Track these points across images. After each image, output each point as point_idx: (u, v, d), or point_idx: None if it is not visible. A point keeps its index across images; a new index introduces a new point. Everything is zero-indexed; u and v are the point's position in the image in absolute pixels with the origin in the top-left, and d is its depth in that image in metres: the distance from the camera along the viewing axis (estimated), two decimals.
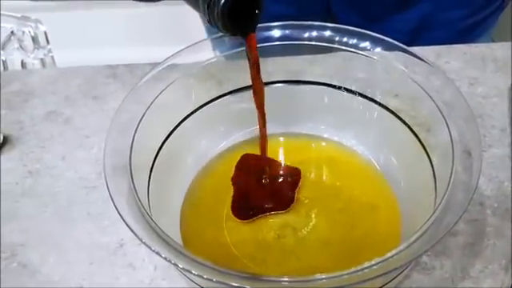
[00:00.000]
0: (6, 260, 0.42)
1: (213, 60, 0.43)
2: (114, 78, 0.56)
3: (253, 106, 0.41)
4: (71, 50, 0.86)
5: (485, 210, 0.42)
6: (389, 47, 0.41)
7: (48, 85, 0.56)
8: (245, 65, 0.39)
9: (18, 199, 0.46)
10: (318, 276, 0.30)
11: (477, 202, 0.43)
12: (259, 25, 0.38)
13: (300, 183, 0.43)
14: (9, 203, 0.46)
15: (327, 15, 0.67)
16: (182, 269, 0.30)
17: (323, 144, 0.46)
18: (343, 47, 0.42)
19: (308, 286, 0.30)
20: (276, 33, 0.43)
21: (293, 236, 0.40)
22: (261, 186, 0.44)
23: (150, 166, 0.39)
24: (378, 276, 0.30)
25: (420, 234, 0.31)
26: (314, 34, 0.43)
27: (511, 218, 0.42)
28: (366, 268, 0.29)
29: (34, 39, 0.63)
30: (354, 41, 0.42)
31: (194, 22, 0.68)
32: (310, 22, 0.43)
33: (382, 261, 0.30)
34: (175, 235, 0.39)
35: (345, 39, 0.42)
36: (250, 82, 0.40)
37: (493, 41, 0.72)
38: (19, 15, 0.63)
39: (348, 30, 0.42)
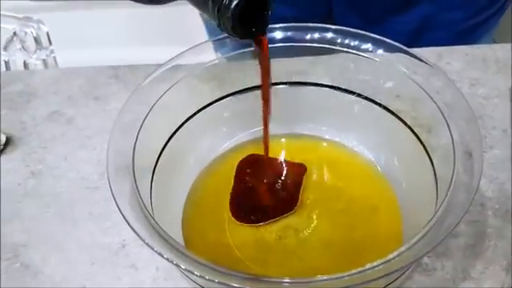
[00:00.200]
0: (8, 260, 0.42)
1: (215, 61, 0.43)
2: (115, 78, 0.56)
3: (255, 106, 0.41)
4: (73, 50, 0.86)
5: (486, 211, 0.42)
6: (390, 49, 0.41)
7: (50, 85, 0.56)
8: (247, 66, 0.39)
9: (21, 200, 0.46)
10: (320, 277, 0.30)
11: (478, 203, 0.43)
12: None
13: (304, 182, 0.43)
14: (11, 204, 0.46)
15: (328, 17, 0.67)
16: (184, 269, 0.30)
17: (325, 145, 0.46)
18: (345, 49, 0.42)
19: (310, 287, 0.30)
20: (278, 34, 0.43)
21: (294, 237, 0.40)
22: (264, 191, 0.44)
23: (153, 166, 0.39)
24: (380, 277, 0.30)
25: (422, 236, 0.31)
26: (316, 35, 0.43)
27: None
28: (368, 269, 0.30)
29: (37, 40, 0.64)
30: (356, 42, 0.42)
31: (195, 23, 0.68)
32: (312, 24, 0.43)
33: (384, 262, 0.30)
34: (177, 236, 0.39)
35: (346, 41, 0.42)
36: (252, 84, 0.40)
37: (494, 42, 0.72)
38: (21, 16, 0.64)
39: (350, 31, 0.42)
